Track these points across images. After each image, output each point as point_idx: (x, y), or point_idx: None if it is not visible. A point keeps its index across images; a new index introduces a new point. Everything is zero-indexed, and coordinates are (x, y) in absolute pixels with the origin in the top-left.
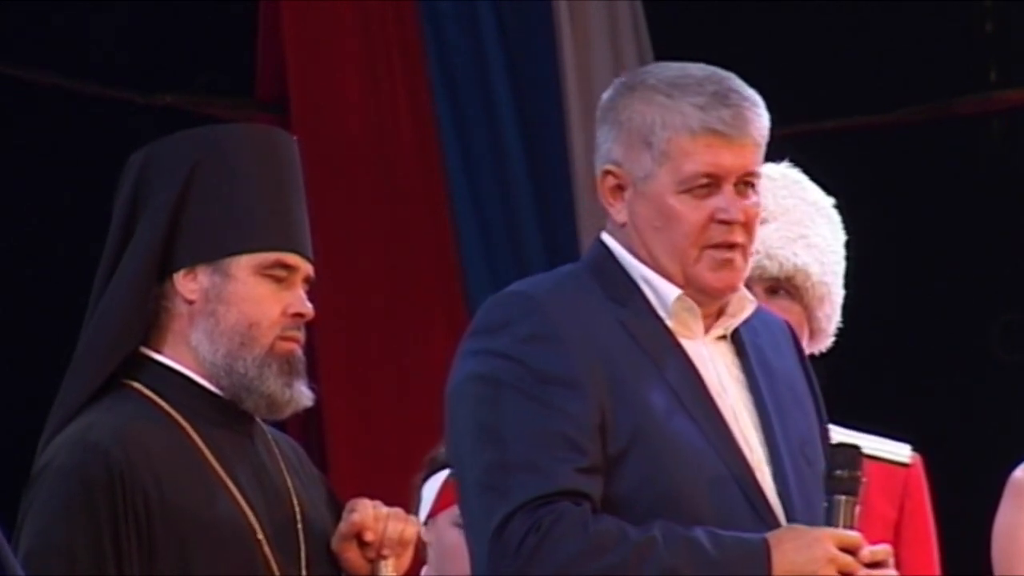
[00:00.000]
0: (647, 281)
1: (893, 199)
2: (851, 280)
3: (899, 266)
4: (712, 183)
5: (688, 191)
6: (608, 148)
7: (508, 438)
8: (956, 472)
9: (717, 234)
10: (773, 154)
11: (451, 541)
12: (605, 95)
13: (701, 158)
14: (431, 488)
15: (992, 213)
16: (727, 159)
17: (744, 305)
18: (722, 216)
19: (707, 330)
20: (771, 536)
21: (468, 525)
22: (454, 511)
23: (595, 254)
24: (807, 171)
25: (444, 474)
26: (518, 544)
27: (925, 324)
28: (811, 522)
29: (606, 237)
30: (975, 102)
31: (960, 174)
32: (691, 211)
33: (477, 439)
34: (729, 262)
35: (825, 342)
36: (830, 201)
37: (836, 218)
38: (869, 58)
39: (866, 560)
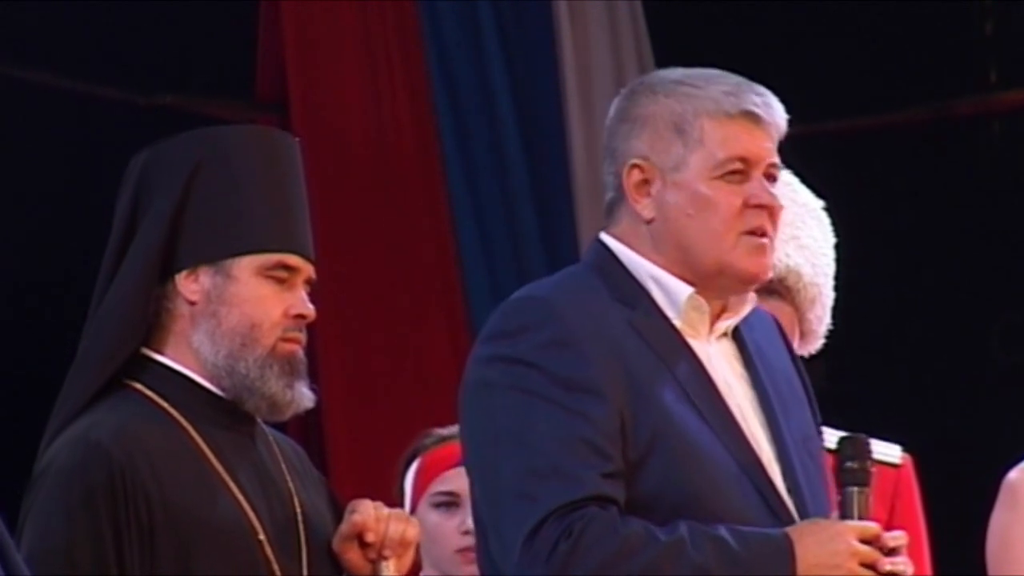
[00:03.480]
0: (656, 280)
1: (893, 200)
2: (851, 281)
3: (899, 266)
4: (744, 169)
5: (721, 176)
6: (631, 145)
7: (534, 445)
8: (956, 473)
9: (752, 219)
10: None
11: (431, 522)
12: (617, 102)
13: (735, 142)
14: (410, 482)
15: (992, 213)
16: (758, 144)
17: (745, 302)
18: (756, 200)
19: (710, 329)
20: (792, 531)
21: (497, 532)
22: (429, 494)
23: (596, 255)
24: (808, 172)
25: (415, 465)
26: (550, 551)
27: (925, 325)
28: (820, 516)
29: (606, 238)
30: (975, 103)
31: (960, 174)
32: (726, 196)
33: (502, 446)
34: (763, 248)
35: (815, 344)
36: (820, 203)
37: (826, 220)
38: (869, 59)
39: (888, 546)
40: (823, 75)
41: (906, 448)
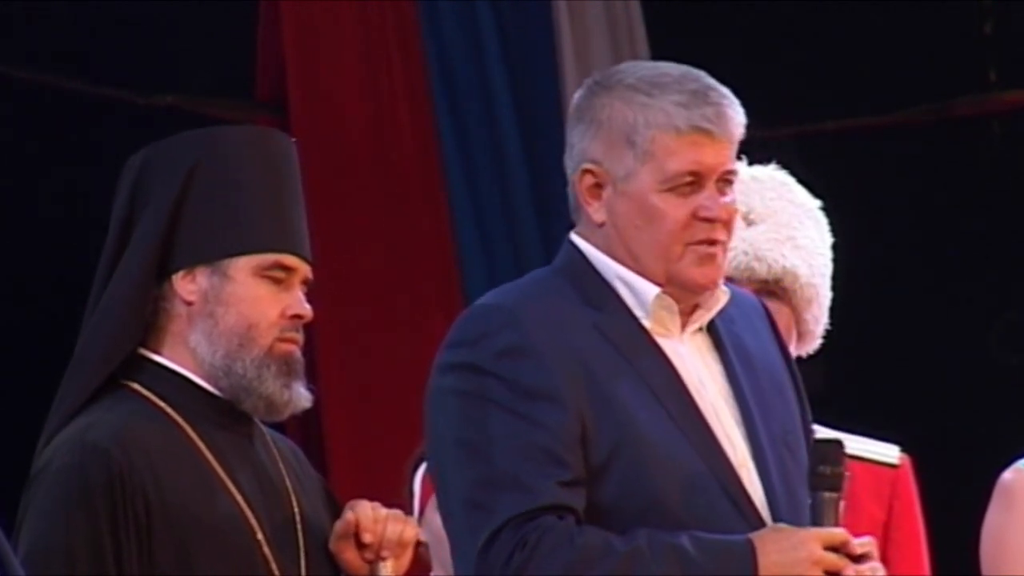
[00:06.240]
0: (623, 281)
1: (893, 200)
2: (849, 281)
3: (898, 266)
4: (695, 181)
5: (671, 189)
6: (585, 147)
7: (489, 454)
8: (955, 473)
9: (700, 231)
10: (769, 155)
11: (438, 525)
12: (577, 95)
13: (685, 156)
14: (418, 485)
15: (992, 213)
16: (710, 157)
17: (717, 297)
18: (705, 214)
19: (683, 326)
20: (755, 537)
21: (453, 542)
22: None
23: (566, 257)
24: (808, 172)
25: (423, 468)
26: (505, 562)
27: (924, 324)
28: (796, 517)
29: (576, 239)
30: (975, 103)
31: (960, 174)
32: (674, 209)
33: (458, 455)
34: (712, 257)
35: (813, 344)
36: (816, 203)
37: (823, 220)
38: (869, 59)
39: (855, 553)
40: (823, 75)
41: (905, 448)
